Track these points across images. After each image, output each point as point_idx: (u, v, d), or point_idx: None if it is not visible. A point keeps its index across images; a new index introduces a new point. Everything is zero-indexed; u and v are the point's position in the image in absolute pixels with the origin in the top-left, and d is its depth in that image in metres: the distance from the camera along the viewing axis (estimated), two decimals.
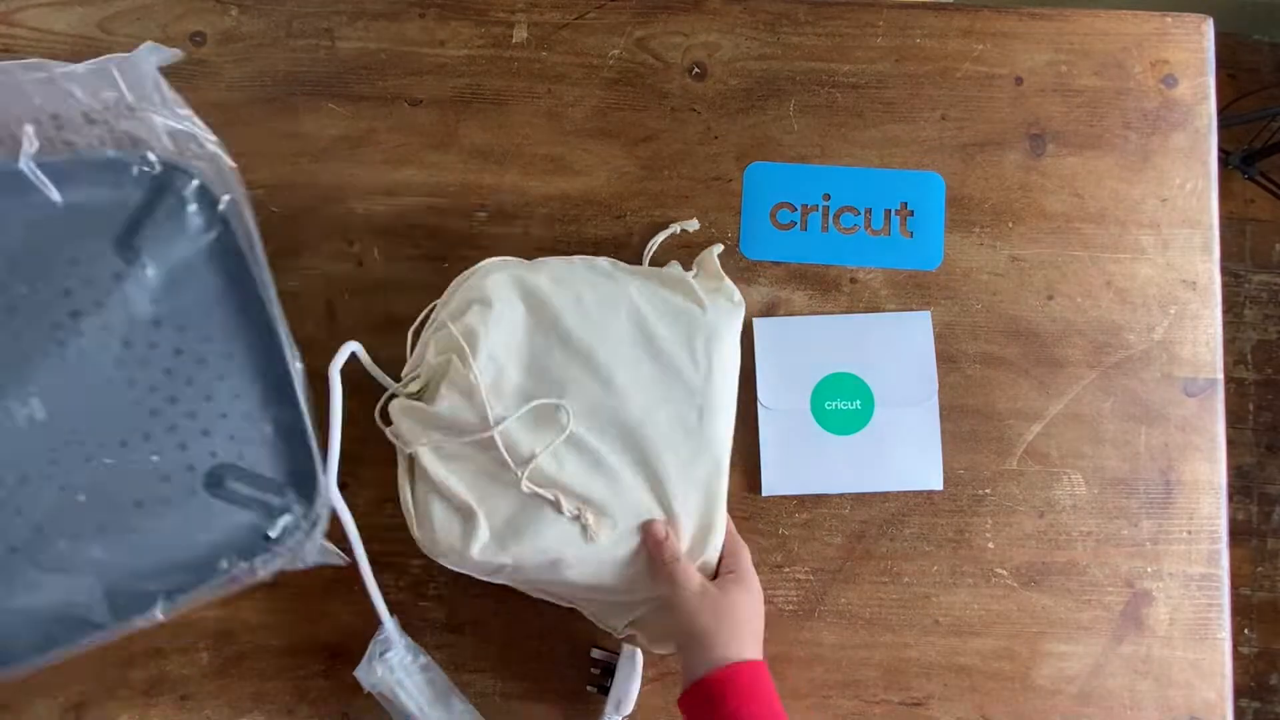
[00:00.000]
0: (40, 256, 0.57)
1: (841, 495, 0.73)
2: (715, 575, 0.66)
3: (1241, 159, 1.56)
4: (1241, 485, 1.63)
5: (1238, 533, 1.62)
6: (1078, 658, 0.72)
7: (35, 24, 0.77)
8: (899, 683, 0.72)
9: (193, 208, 0.59)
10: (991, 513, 0.74)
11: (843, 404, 0.74)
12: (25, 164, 0.55)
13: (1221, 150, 0.77)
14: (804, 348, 0.74)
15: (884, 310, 0.75)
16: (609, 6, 0.78)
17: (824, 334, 0.74)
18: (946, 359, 0.75)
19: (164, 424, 0.59)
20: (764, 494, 0.73)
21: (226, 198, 0.59)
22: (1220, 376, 0.75)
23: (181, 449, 0.59)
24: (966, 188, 0.77)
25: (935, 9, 0.78)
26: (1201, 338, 0.75)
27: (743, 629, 0.63)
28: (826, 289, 0.75)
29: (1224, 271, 0.77)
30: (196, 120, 0.58)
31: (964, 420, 0.74)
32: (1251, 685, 1.58)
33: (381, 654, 0.66)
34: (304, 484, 0.62)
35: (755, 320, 0.74)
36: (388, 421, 0.67)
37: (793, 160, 0.76)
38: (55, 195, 0.56)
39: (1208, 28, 0.79)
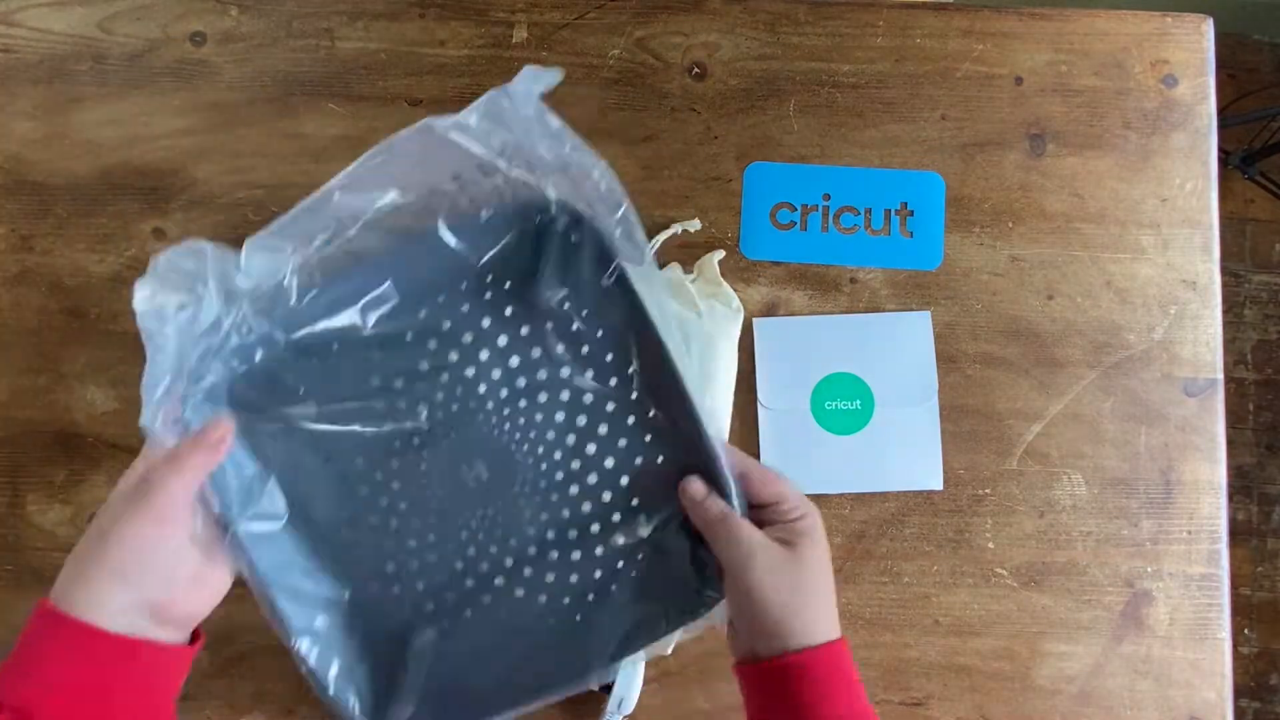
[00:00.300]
0: (458, 318, 0.56)
1: (841, 495, 0.73)
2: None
3: (1241, 159, 1.57)
4: (1241, 485, 1.63)
5: (1238, 533, 1.62)
6: (1078, 658, 0.72)
7: (35, 24, 0.77)
8: (899, 683, 0.72)
9: (589, 251, 0.55)
10: (991, 513, 0.74)
11: (843, 404, 0.74)
12: (443, 232, 0.55)
13: (1221, 150, 0.77)
14: (804, 348, 0.74)
15: (884, 310, 0.75)
16: (609, 6, 0.78)
17: (824, 334, 0.74)
18: (946, 359, 0.75)
19: (589, 475, 0.56)
20: None
21: (618, 231, 0.54)
22: (1220, 376, 0.75)
23: (613, 511, 0.57)
24: (966, 188, 0.77)
25: (935, 9, 0.78)
26: (1201, 338, 0.75)
27: (816, 596, 0.53)
28: (826, 289, 0.75)
29: (1224, 271, 0.77)
30: (585, 147, 0.53)
31: (964, 420, 0.74)
32: (1251, 685, 1.58)
33: None
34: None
35: (755, 320, 0.74)
36: None
37: (793, 160, 0.76)
38: (472, 258, 0.55)
39: (1208, 28, 0.79)
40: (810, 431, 0.73)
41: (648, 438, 0.56)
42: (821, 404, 0.73)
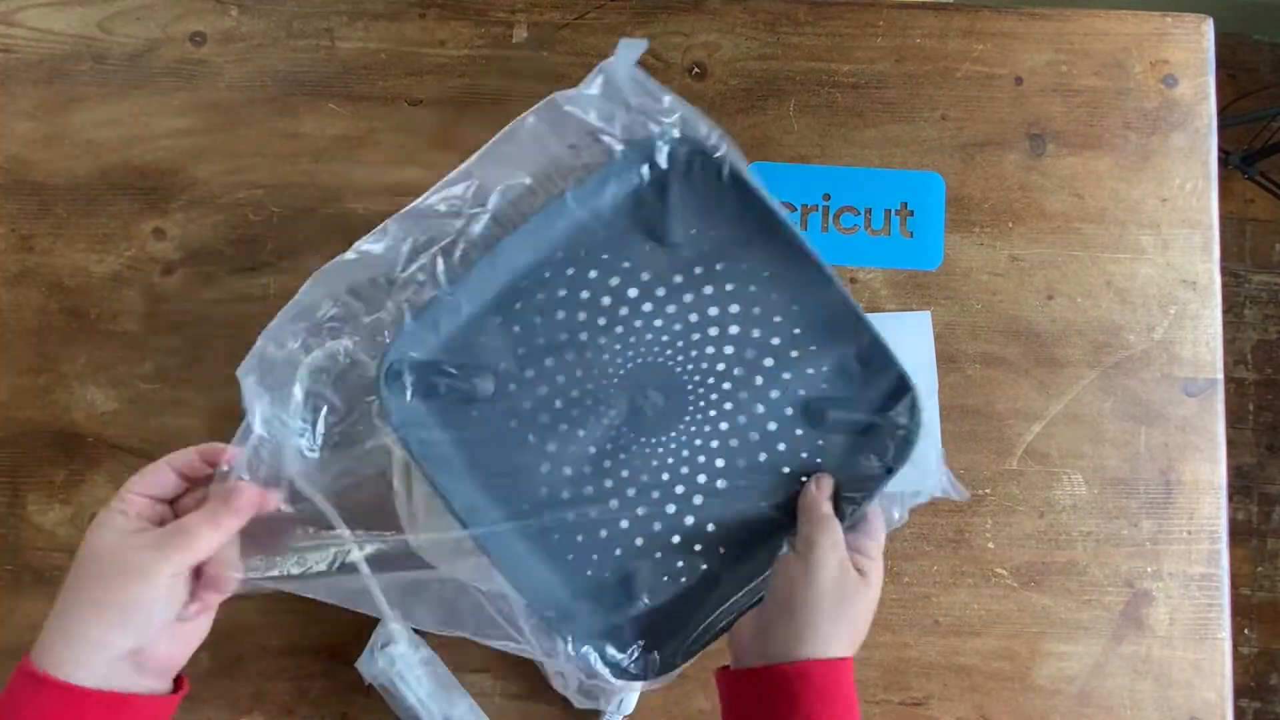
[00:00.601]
0: (605, 266, 0.60)
1: None
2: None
3: (1241, 159, 1.57)
4: (1241, 485, 1.63)
5: (1238, 533, 1.62)
6: (1078, 658, 0.72)
7: (35, 24, 0.77)
8: (899, 683, 0.72)
9: (700, 171, 0.60)
10: (991, 513, 0.74)
11: None
12: (570, 198, 0.58)
13: (1221, 150, 0.77)
14: None
15: (884, 310, 0.75)
16: (609, 6, 0.78)
17: None
18: (946, 359, 0.75)
19: (748, 376, 0.60)
20: None
21: (722, 147, 0.59)
22: (1220, 376, 0.75)
23: (771, 395, 0.60)
24: (966, 188, 0.77)
25: (935, 9, 0.78)
26: (1201, 338, 0.75)
27: (851, 622, 0.54)
28: None
29: (1224, 271, 0.77)
30: (682, 102, 0.59)
31: (964, 420, 0.74)
32: (1251, 685, 1.58)
33: (383, 645, 0.66)
34: (893, 402, 0.61)
35: None
36: None
37: (793, 160, 0.76)
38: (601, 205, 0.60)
39: (1208, 28, 0.79)
40: None
41: (809, 370, 0.60)
42: None
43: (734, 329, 0.60)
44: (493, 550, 0.57)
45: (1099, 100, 0.77)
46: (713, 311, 0.60)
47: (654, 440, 0.59)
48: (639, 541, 0.60)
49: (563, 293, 0.60)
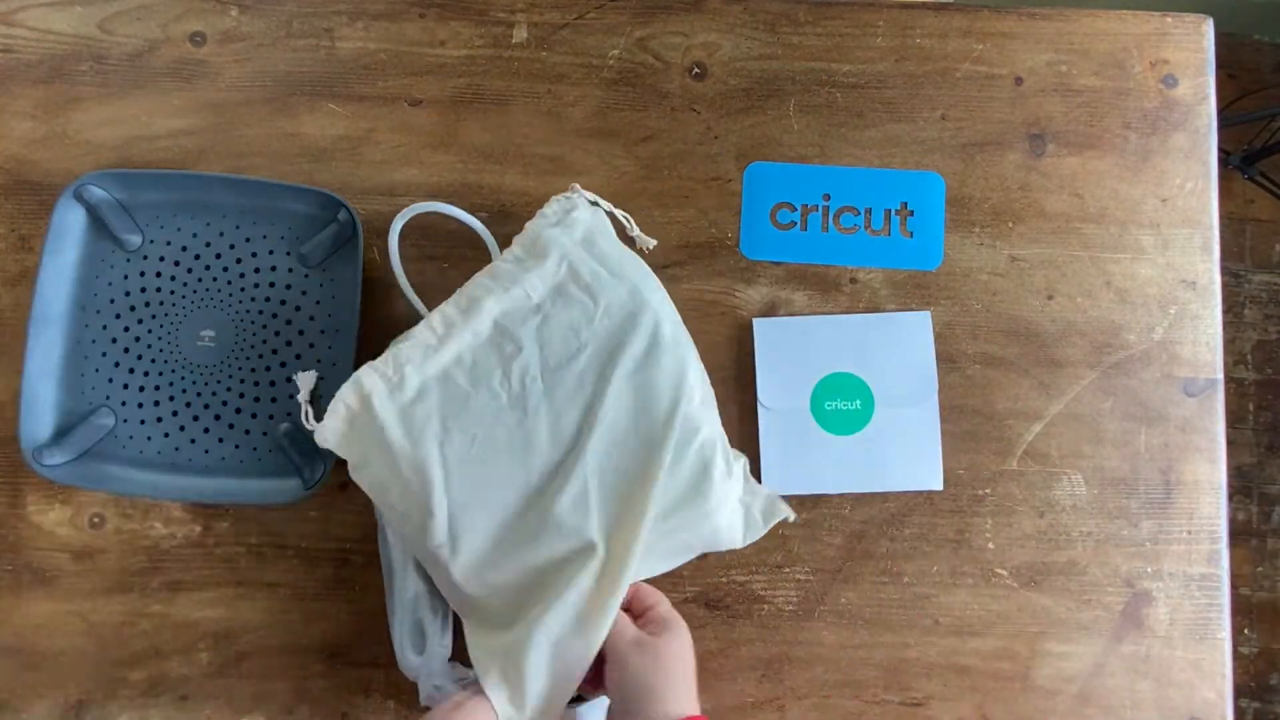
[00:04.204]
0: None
1: (842, 495, 0.73)
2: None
3: (1241, 159, 1.57)
4: (1241, 485, 1.63)
5: (1238, 533, 1.62)
6: (1078, 658, 0.72)
7: (35, 24, 0.77)
8: (899, 683, 0.72)
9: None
10: (991, 513, 0.74)
11: (843, 404, 0.74)
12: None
13: (1221, 150, 0.77)
14: (804, 348, 0.74)
15: (884, 310, 0.75)
16: (609, 6, 0.78)
17: (824, 334, 0.74)
18: (946, 359, 0.75)
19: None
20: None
21: None
22: (1220, 376, 0.75)
23: None
24: (966, 188, 0.77)
25: (935, 9, 0.78)
26: (1201, 338, 0.75)
27: (681, 681, 0.60)
28: (826, 289, 0.75)
29: (1224, 271, 0.77)
30: None
31: (964, 420, 0.74)
32: (1251, 685, 1.59)
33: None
34: None
35: (755, 320, 0.74)
36: None
37: (793, 160, 0.76)
38: None
39: (1208, 28, 0.79)
40: (810, 432, 0.73)
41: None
42: (821, 404, 0.73)
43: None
44: None
45: (1099, 100, 0.77)
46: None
47: None
48: None
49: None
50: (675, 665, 0.60)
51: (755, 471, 0.73)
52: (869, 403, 0.74)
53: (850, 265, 0.76)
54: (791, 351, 0.74)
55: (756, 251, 0.75)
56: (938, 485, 0.73)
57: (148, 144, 0.76)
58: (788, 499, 0.69)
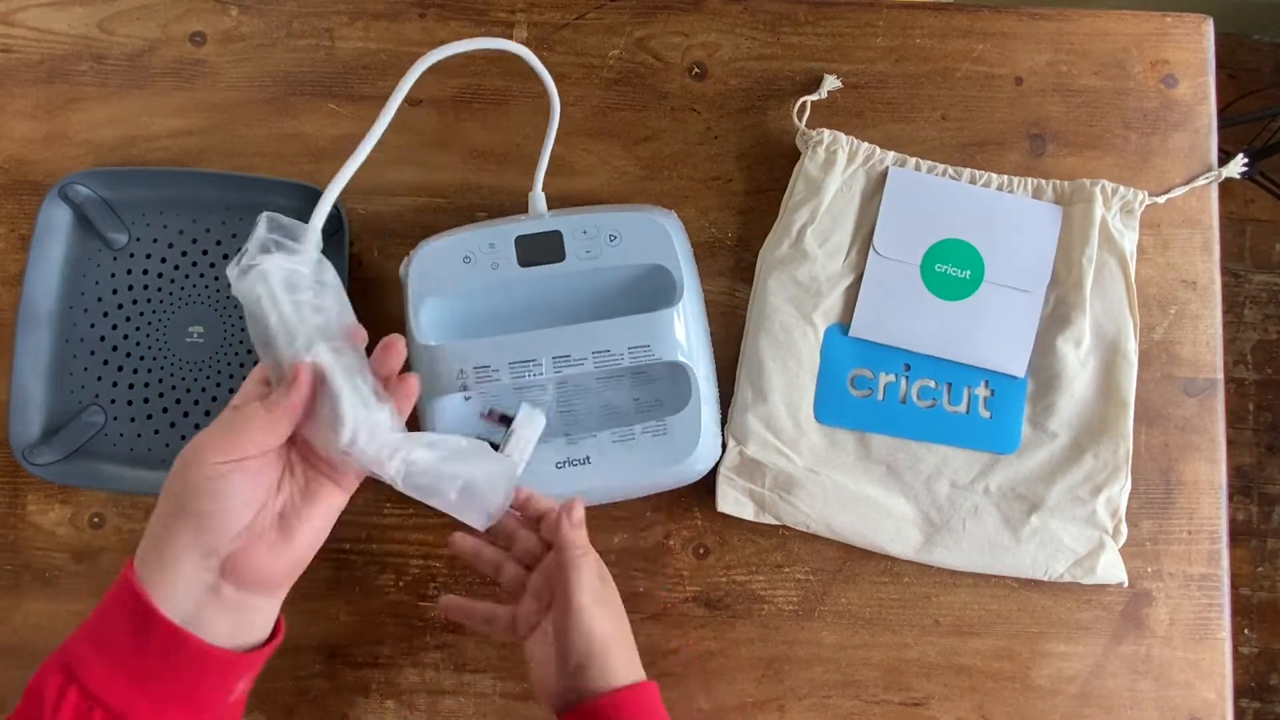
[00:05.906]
0: None
1: None
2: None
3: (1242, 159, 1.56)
4: (1241, 485, 1.63)
5: (1238, 533, 1.62)
6: (1078, 658, 0.72)
7: (35, 24, 0.77)
8: (899, 683, 0.72)
9: None
10: None
11: (953, 270, 0.72)
12: None
13: (1221, 150, 0.77)
14: (930, 206, 0.73)
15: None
16: (609, 6, 0.78)
17: (955, 199, 0.73)
18: None
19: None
20: (850, 335, 0.72)
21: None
22: (1220, 376, 0.75)
23: None
24: None
25: (935, 9, 0.78)
26: (1201, 338, 0.75)
27: (624, 634, 0.57)
28: None
29: (1224, 271, 0.77)
30: None
31: None
32: (1251, 685, 1.59)
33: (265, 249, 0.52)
34: None
35: (891, 169, 0.73)
36: None
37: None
38: None
39: (1208, 28, 0.79)
40: (913, 288, 0.72)
41: None
42: (932, 265, 0.72)
43: None
44: None
45: (1099, 100, 0.77)
46: None
47: None
48: None
49: None
50: (624, 619, 0.59)
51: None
52: (979, 275, 0.72)
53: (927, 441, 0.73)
54: (917, 207, 0.73)
55: (830, 418, 0.73)
56: (1020, 372, 0.72)
57: (148, 144, 0.76)
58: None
